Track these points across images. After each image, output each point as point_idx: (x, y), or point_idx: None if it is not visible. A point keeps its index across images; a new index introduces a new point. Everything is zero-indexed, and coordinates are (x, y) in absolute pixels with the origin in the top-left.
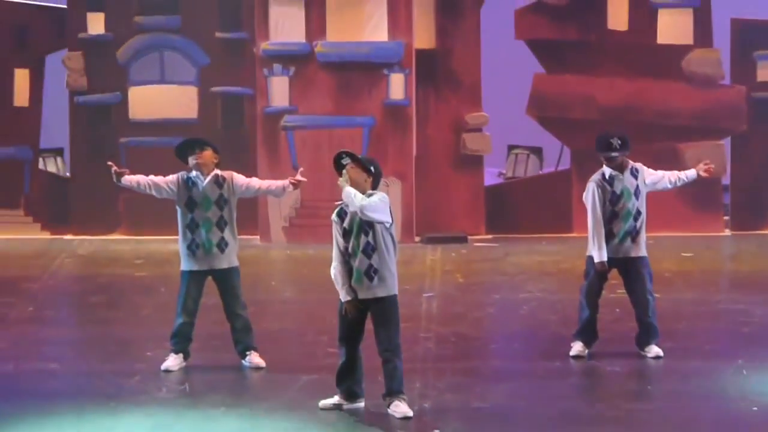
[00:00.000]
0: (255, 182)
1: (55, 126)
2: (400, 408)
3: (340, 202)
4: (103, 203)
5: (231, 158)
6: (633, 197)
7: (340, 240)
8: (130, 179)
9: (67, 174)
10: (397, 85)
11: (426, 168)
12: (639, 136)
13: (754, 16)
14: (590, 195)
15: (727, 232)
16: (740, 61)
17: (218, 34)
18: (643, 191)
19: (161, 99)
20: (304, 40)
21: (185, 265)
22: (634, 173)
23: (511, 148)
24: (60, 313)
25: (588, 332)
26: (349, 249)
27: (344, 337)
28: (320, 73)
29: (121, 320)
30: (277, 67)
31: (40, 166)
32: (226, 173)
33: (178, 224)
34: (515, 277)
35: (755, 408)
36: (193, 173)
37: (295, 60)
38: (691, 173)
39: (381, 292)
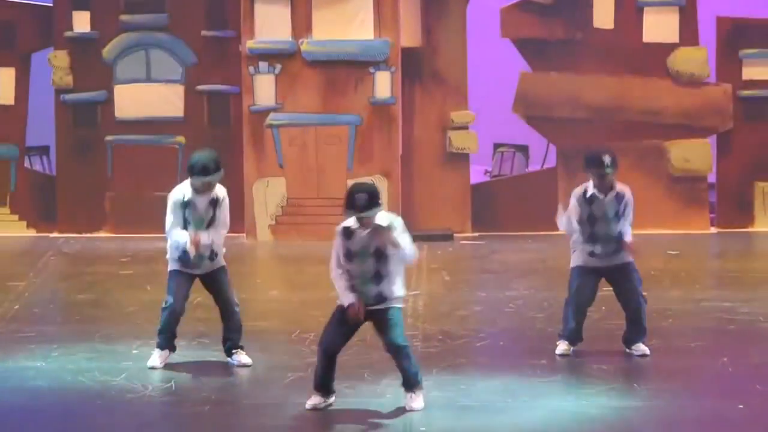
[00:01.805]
0: (222, 221)
1: (41, 124)
2: (415, 401)
3: (349, 225)
4: (89, 201)
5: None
6: (614, 221)
7: (342, 257)
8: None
9: (53, 172)
10: (383, 83)
11: (412, 166)
12: (625, 135)
13: (740, 14)
14: (570, 207)
15: (713, 230)
16: (726, 59)
17: (204, 33)
18: (625, 216)
19: (147, 97)
20: (290, 38)
21: (174, 266)
22: (619, 198)
23: (497, 146)
24: (46, 310)
25: (573, 337)
26: (353, 271)
27: (330, 342)
28: (306, 71)
29: (107, 318)
30: (263, 65)
31: (26, 164)
32: (221, 193)
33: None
34: (501, 275)
35: (741, 405)
36: (189, 195)
37: (281, 58)
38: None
39: (385, 305)
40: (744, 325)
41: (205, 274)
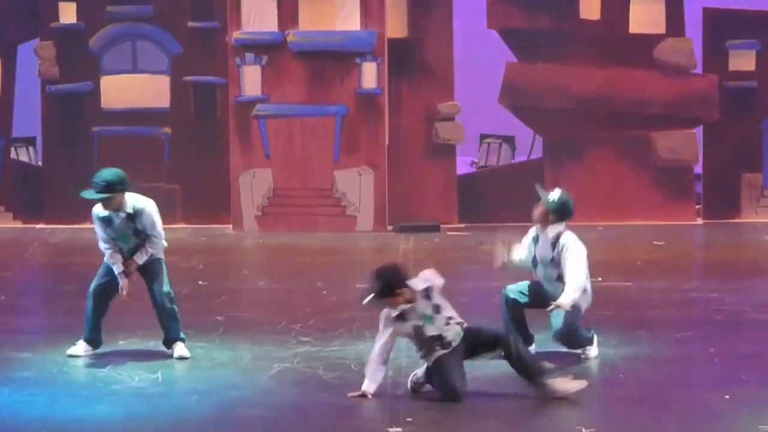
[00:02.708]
0: (151, 233)
1: (27, 115)
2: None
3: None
4: (76, 192)
5: (203, 147)
6: (550, 266)
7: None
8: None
9: (39, 163)
10: (369, 74)
11: (398, 157)
12: (611, 125)
13: (726, 5)
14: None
15: (699, 221)
16: (712, 50)
17: (190, 24)
18: (565, 259)
19: (133, 88)
20: (276, 29)
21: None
22: (554, 242)
23: (483, 137)
24: (32, 302)
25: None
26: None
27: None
28: (292, 62)
29: None
30: (249, 56)
31: (12, 155)
32: (139, 206)
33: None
34: (487, 266)
35: (727, 396)
36: (106, 212)
37: (267, 49)
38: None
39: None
40: (730, 315)
41: (140, 266)
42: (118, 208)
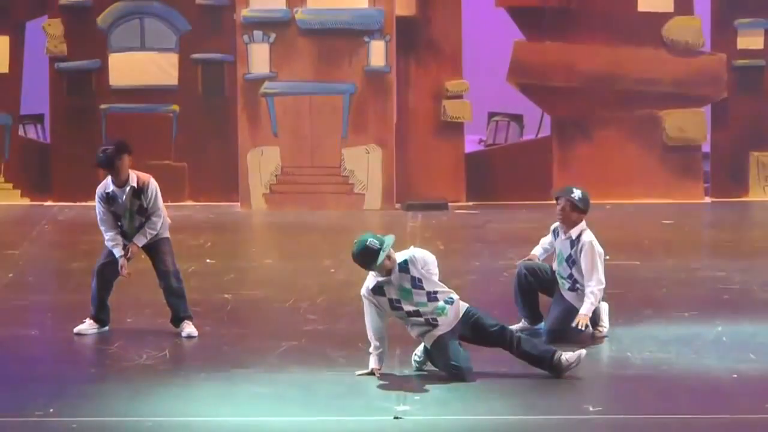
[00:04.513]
0: (152, 211)
1: (35, 92)
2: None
3: (380, 279)
4: (84, 169)
5: (211, 125)
6: (565, 263)
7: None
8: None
9: (48, 140)
10: (377, 52)
11: (406, 135)
12: (619, 104)
13: None
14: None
15: (708, 200)
16: (721, 28)
17: (198, 1)
18: (582, 261)
19: (141, 65)
20: (284, 7)
21: None
22: (574, 242)
23: (491, 115)
24: (40, 279)
25: (525, 316)
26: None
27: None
28: (301, 40)
29: None
30: (257, 33)
31: (20, 132)
32: (143, 180)
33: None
34: (495, 244)
35: (735, 375)
36: (111, 188)
37: (275, 26)
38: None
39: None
40: (738, 294)
41: (145, 245)
42: (126, 179)
